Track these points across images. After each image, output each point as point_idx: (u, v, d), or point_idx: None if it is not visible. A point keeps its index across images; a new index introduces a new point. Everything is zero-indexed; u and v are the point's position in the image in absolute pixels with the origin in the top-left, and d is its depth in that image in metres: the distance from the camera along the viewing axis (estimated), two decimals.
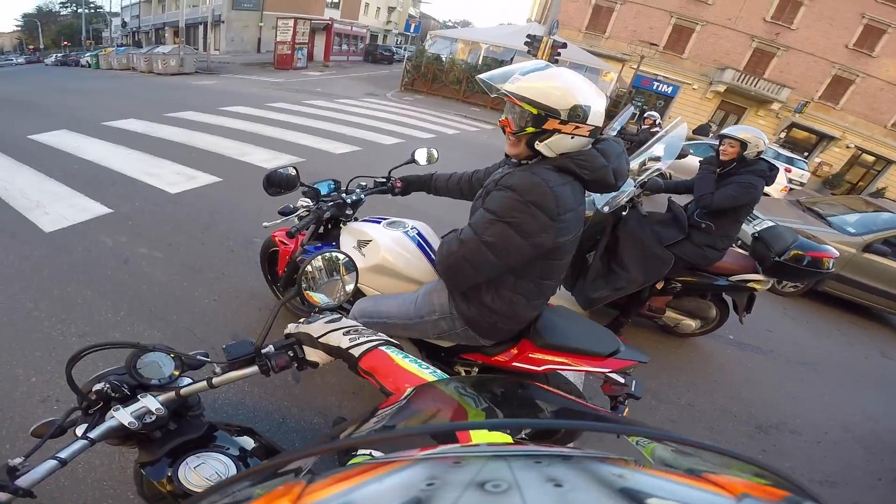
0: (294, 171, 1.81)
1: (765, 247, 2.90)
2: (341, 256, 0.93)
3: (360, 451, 0.50)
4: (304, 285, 0.88)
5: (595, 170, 1.21)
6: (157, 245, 3.07)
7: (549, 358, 1.49)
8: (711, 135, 14.29)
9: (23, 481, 0.58)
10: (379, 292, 1.76)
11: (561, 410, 0.75)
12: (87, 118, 6.36)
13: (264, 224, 1.87)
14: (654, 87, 21.78)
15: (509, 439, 0.50)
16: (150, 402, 0.76)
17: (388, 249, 1.70)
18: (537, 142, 1.20)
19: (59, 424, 0.73)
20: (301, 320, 0.89)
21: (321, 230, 1.92)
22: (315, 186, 1.86)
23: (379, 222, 1.87)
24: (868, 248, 4.73)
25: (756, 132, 2.68)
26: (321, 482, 0.33)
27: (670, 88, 21.72)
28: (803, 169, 13.59)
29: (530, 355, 1.51)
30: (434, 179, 1.93)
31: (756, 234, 3.06)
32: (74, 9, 46.86)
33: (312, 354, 0.86)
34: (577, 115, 1.15)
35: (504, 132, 1.29)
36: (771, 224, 3.62)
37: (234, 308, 2.58)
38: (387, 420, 0.60)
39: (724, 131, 2.76)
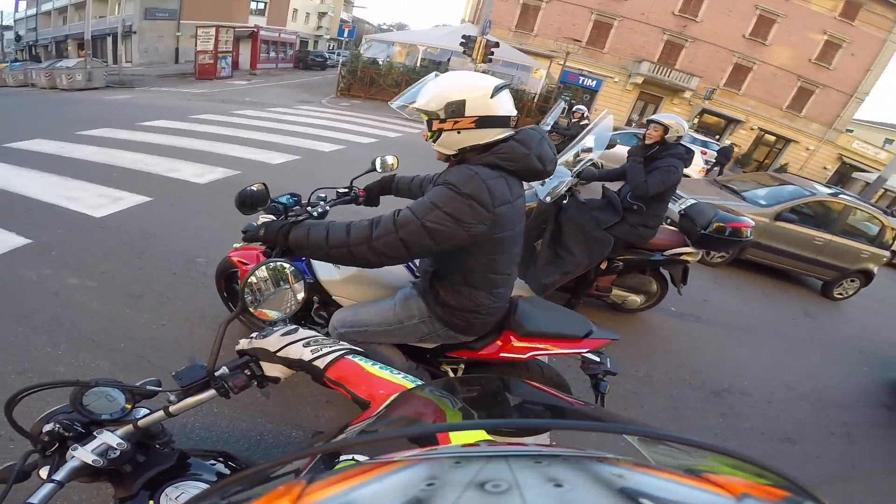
0: (263, 186, 1.75)
1: (690, 222, 3.20)
2: (287, 265, 0.88)
3: (343, 457, 0.50)
4: (248, 299, 0.81)
5: (517, 159, 1.26)
6: (89, 274, 2.81)
7: (532, 345, 1.56)
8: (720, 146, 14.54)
9: None
10: (354, 301, 1.75)
11: (548, 407, 0.76)
12: None
13: (235, 246, 1.82)
14: (580, 82, 22.83)
15: (486, 435, 0.50)
16: (109, 438, 0.73)
17: None
18: (433, 143, 1.33)
19: (20, 468, 0.70)
20: (253, 335, 0.84)
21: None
22: (278, 201, 1.81)
23: None
24: (778, 216, 5.35)
25: (678, 119, 2.95)
26: (321, 482, 0.33)
27: (594, 82, 22.85)
28: (716, 151, 14.91)
29: (514, 345, 1.56)
30: (396, 181, 1.95)
31: (682, 212, 3.36)
32: None
33: (272, 370, 0.82)
34: (453, 110, 1.24)
35: None
36: (694, 202, 3.99)
37: (185, 330, 2.44)
38: (367, 427, 0.61)
39: (651, 117, 3.02)
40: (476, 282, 1.40)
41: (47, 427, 0.73)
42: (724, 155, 15.00)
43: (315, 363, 0.78)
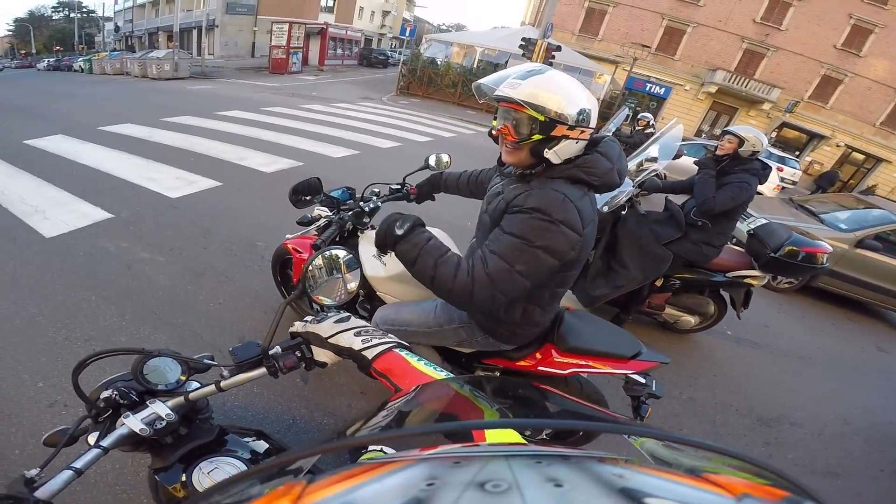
0: (317, 180, 1.83)
1: (760, 243, 2.95)
2: (342, 254, 0.91)
3: (372, 448, 0.50)
4: (309, 284, 0.86)
5: (602, 174, 1.19)
6: (160, 250, 3.07)
7: (574, 361, 1.49)
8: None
9: (41, 493, 0.58)
10: (397, 299, 1.77)
11: (563, 412, 0.75)
12: (83, 123, 6.35)
13: (287, 236, 1.91)
14: (647, 89, 21.96)
15: (520, 439, 0.49)
16: (160, 408, 0.76)
17: None
18: (546, 149, 1.16)
19: (71, 433, 0.73)
20: (307, 318, 0.87)
21: (337, 238, 1.91)
22: (332, 195, 1.87)
23: None
24: (860, 243, 4.81)
25: (757, 133, 2.74)
26: (321, 482, 0.33)
27: (663, 90, 21.91)
28: (795, 168, 13.78)
29: (555, 359, 1.51)
30: (444, 178, 1.94)
31: (751, 232, 3.12)
32: (67, 14, 46.72)
33: (321, 355, 0.84)
34: (583, 119, 1.13)
35: (497, 140, 1.24)
36: (765, 221, 3.68)
37: (239, 311, 2.59)
38: (395, 415, 0.61)
39: (728, 128, 2.83)
40: (541, 298, 1.34)
41: (105, 394, 0.77)
42: (828, 181, 13.79)
43: (364, 353, 0.79)
